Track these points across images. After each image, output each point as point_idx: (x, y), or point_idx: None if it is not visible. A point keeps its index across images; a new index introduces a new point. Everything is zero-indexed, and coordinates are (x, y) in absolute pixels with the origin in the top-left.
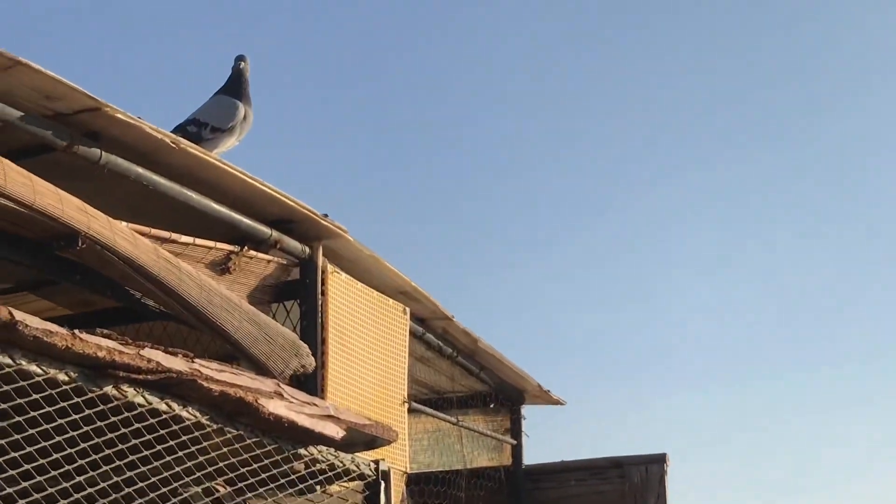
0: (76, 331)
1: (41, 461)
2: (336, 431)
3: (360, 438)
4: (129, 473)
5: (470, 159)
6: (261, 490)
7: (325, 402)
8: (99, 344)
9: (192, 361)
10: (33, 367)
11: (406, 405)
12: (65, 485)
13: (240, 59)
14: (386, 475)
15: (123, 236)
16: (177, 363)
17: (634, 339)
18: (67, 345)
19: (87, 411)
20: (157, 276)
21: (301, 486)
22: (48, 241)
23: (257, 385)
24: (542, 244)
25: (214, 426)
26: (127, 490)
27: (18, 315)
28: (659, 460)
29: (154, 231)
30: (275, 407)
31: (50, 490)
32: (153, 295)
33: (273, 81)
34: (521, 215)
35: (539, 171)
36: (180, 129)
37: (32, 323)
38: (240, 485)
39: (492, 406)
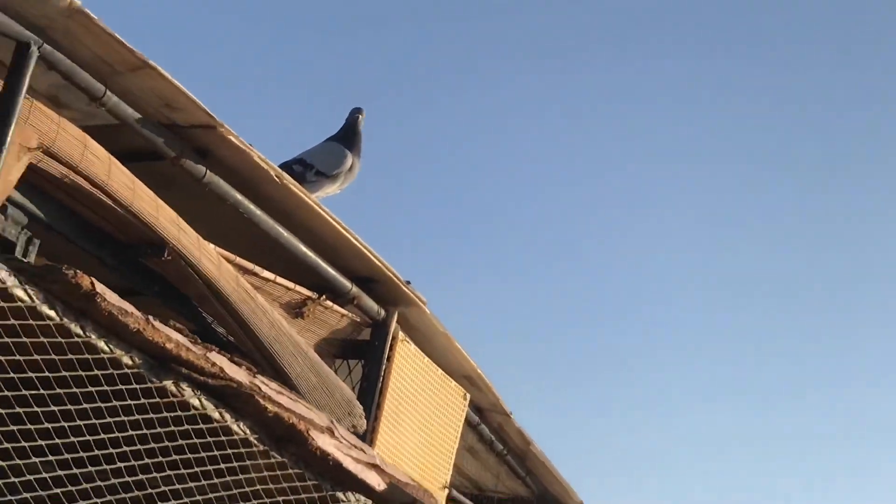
0: (150, 317)
1: (87, 437)
2: (378, 483)
3: (400, 497)
4: (167, 472)
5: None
6: None
7: (373, 450)
8: (169, 335)
9: (255, 377)
10: (101, 344)
11: (446, 491)
12: (104, 467)
13: (357, 111)
14: None
15: (209, 258)
16: (240, 374)
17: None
18: (140, 328)
19: (142, 400)
20: (233, 303)
21: None
22: (136, 246)
23: (311, 416)
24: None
25: (261, 447)
26: (161, 489)
27: (99, 287)
28: None
29: (239, 260)
30: (324, 442)
31: (90, 469)
32: (225, 322)
33: (383, 137)
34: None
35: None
36: (285, 167)
37: (111, 298)
38: None
39: None
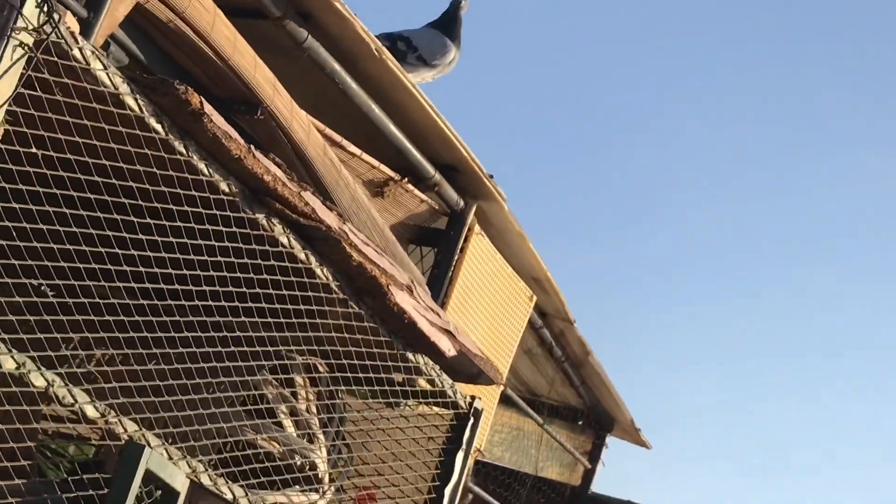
0: (252, 146)
1: (177, 255)
2: (448, 348)
3: (466, 367)
4: (247, 304)
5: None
6: (352, 384)
7: (447, 315)
8: (268, 168)
9: (344, 223)
10: (201, 166)
11: (500, 389)
12: (190, 287)
13: (459, 5)
14: (478, 413)
15: (300, 123)
16: (330, 217)
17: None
18: (241, 155)
19: (234, 229)
20: (317, 171)
21: (388, 391)
22: (229, 101)
23: (394, 272)
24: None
25: (340, 296)
26: (241, 319)
27: (207, 107)
28: None
29: (328, 130)
30: (402, 299)
31: (176, 286)
32: None
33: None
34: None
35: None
36: (389, 38)
37: (217, 120)
38: (333, 371)
39: (579, 423)
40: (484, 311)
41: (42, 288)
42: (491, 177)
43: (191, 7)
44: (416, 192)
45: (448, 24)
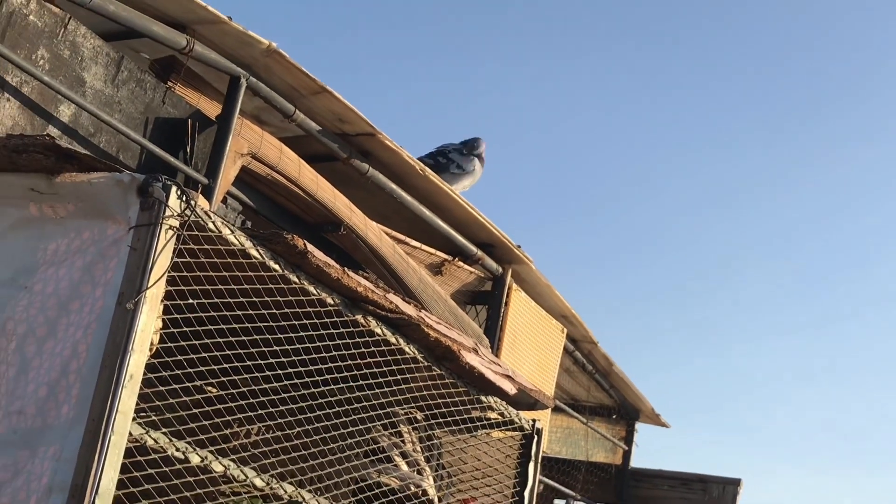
0: (346, 269)
1: (303, 357)
2: (510, 388)
3: (526, 400)
4: (359, 382)
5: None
6: (443, 425)
7: (506, 364)
8: (359, 281)
9: (420, 311)
10: (311, 288)
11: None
12: (316, 378)
13: (479, 143)
14: (539, 432)
15: (373, 232)
16: (410, 309)
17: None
18: (339, 276)
19: (341, 329)
20: (391, 264)
21: (470, 426)
22: (320, 225)
23: (461, 340)
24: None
25: (425, 363)
26: (355, 394)
27: (310, 247)
28: (734, 483)
29: (394, 233)
30: (471, 359)
31: (306, 380)
32: (384, 278)
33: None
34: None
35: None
36: (432, 157)
37: (318, 255)
38: (428, 418)
39: (613, 417)
40: (529, 346)
41: (214, 396)
42: (519, 246)
43: (281, 162)
44: (465, 266)
45: (473, 147)
